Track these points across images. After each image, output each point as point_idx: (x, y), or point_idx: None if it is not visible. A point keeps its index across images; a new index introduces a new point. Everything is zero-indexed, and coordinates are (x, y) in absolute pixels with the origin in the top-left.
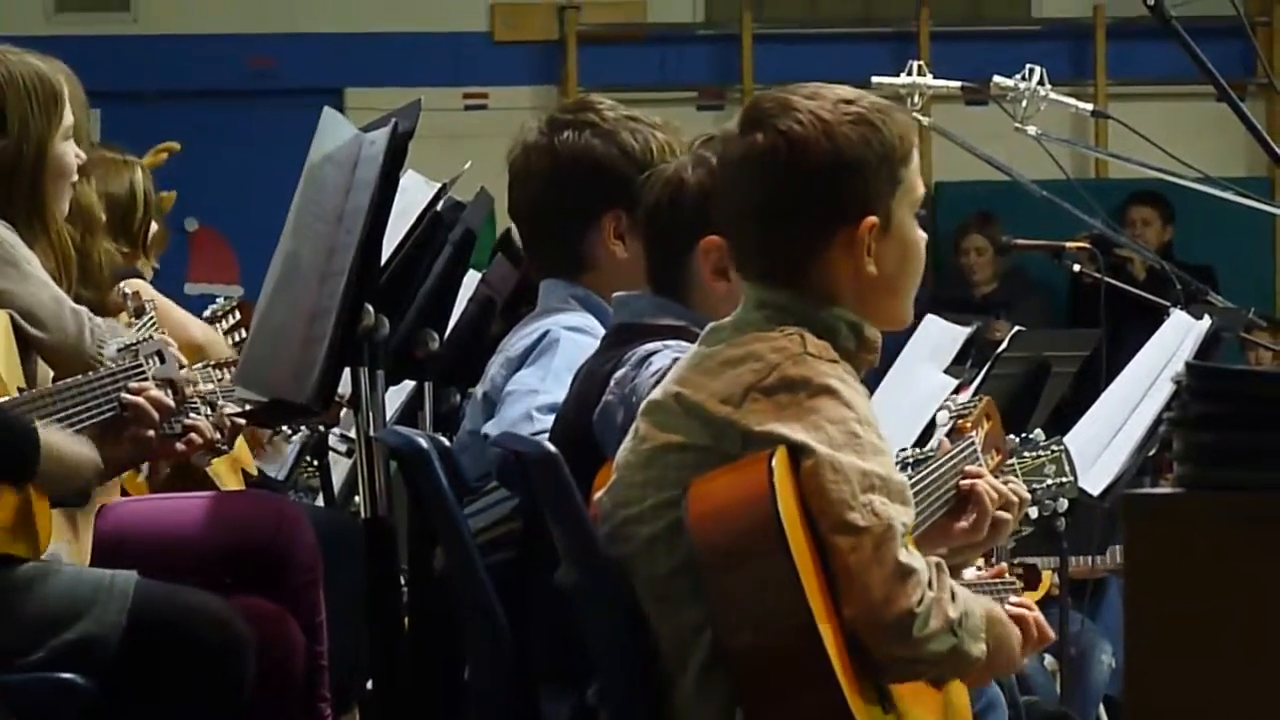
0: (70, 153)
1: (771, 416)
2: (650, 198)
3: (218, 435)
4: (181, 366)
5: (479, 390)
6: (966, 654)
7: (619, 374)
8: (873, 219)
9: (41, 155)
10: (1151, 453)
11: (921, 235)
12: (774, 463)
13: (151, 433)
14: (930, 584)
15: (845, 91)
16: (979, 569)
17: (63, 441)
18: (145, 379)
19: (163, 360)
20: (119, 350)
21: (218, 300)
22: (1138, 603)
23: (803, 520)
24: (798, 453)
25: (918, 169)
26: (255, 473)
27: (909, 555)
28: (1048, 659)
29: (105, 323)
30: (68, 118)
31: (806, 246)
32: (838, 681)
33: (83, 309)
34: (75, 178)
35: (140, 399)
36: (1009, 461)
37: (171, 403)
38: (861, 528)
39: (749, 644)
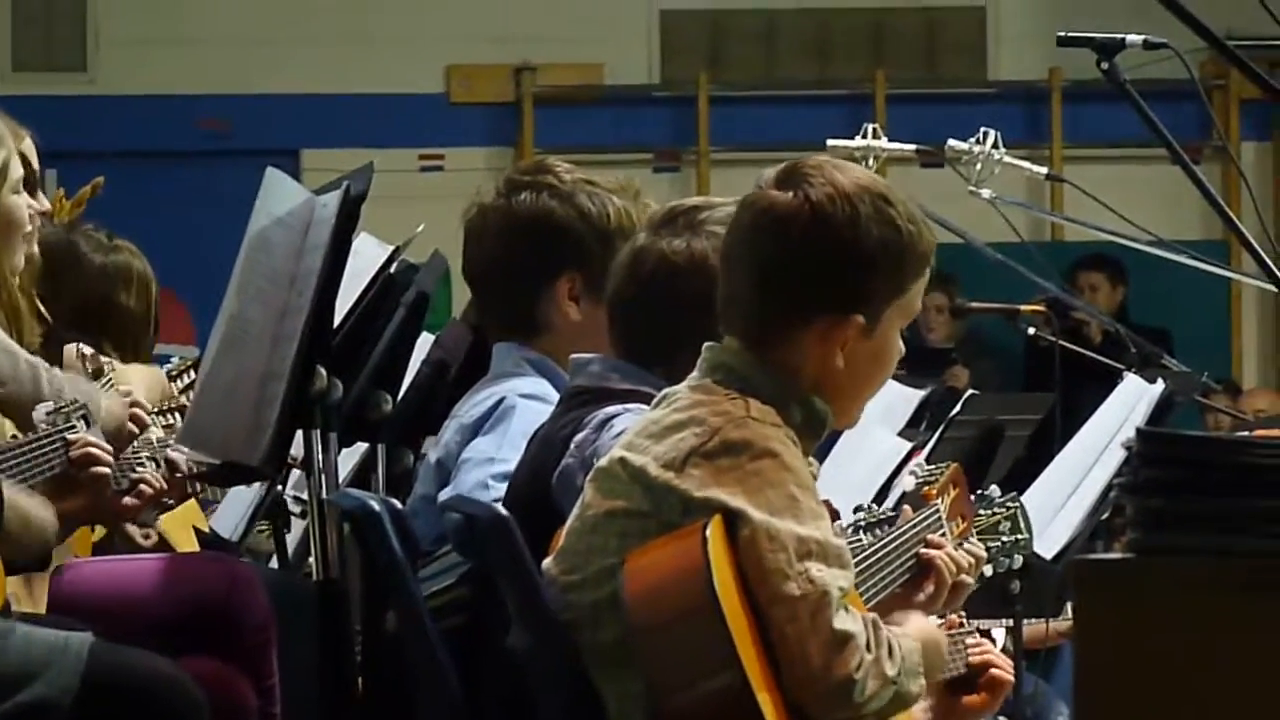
0: (20, 205)
1: (712, 482)
2: (628, 268)
3: (164, 487)
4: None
5: (432, 455)
6: (906, 695)
7: (579, 437)
8: (860, 319)
9: None
10: (1104, 517)
11: (900, 348)
12: (708, 533)
13: (106, 470)
14: (869, 645)
15: (890, 190)
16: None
17: (27, 502)
18: (79, 433)
19: (88, 425)
20: (47, 414)
21: (172, 360)
22: (1087, 668)
23: (740, 589)
24: (735, 520)
25: (923, 287)
26: (207, 529)
27: (845, 620)
28: None
29: (64, 375)
30: (14, 171)
31: (788, 318)
32: None
33: (38, 360)
34: (28, 228)
35: (86, 445)
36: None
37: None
38: (797, 596)
39: (688, 714)
